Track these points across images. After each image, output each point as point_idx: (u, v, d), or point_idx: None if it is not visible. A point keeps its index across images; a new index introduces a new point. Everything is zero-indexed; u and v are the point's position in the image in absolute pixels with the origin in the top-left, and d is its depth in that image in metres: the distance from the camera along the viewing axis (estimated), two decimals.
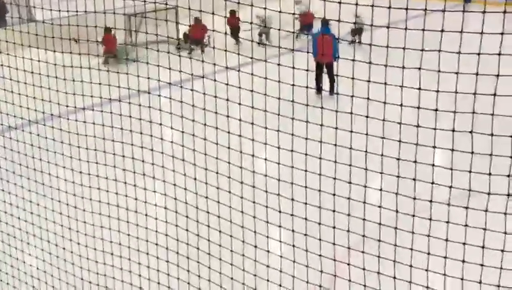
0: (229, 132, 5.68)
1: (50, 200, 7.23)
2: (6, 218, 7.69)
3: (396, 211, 4.70)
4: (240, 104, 5.44)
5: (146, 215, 6.43)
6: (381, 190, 4.93)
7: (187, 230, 6.11)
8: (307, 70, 5.33)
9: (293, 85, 5.27)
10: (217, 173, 5.64)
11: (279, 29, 5.60)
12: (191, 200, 6.07)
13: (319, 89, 15.19)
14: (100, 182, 6.88)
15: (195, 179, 6.03)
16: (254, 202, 5.60)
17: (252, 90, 5.24)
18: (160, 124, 6.18)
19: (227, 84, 5.40)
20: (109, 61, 18.99)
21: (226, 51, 5.42)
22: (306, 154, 5.13)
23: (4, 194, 7.64)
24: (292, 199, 5.30)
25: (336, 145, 4.93)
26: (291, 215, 5.30)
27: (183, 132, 5.92)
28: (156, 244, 6.44)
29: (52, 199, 7.17)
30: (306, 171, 5.17)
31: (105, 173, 6.71)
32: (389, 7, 4.31)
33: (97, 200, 6.79)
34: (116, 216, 6.71)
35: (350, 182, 4.87)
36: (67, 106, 6.97)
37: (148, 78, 6.03)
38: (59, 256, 7.17)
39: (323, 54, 14.84)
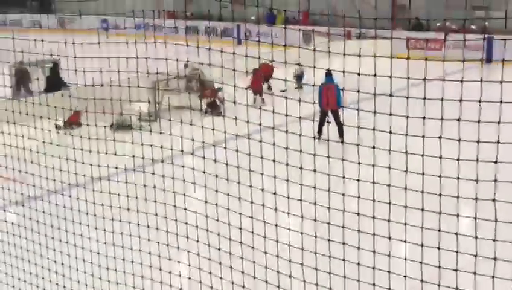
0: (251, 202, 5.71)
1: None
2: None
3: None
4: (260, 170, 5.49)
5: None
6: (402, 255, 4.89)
7: None
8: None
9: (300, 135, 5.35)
10: (241, 243, 5.67)
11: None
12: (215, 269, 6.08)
13: (319, 133, 16.44)
14: (124, 253, 6.89)
15: (219, 249, 6.04)
16: (278, 272, 5.59)
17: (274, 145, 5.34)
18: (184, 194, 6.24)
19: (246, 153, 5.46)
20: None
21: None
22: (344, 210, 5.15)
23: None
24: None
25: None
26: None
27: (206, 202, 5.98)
28: None
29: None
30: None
31: (130, 243, 6.74)
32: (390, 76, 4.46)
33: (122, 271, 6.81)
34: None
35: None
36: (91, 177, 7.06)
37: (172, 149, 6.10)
38: None
39: (328, 103, 16.46)
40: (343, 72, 4.85)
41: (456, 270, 4.66)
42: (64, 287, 7.43)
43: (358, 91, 4.90)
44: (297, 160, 5.39)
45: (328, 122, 16.40)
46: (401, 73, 4.69)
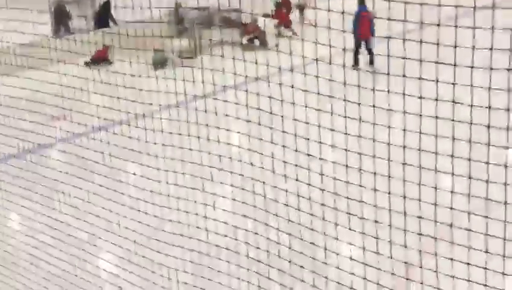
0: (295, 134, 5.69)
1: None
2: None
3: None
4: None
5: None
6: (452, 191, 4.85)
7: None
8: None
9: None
10: (285, 175, 5.68)
11: None
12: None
13: (356, 62, 16.97)
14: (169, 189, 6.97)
15: (263, 182, 6.07)
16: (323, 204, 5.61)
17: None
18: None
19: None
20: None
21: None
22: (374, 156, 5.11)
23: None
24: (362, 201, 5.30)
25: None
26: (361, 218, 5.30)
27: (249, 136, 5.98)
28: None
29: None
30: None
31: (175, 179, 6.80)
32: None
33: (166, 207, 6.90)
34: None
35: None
36: (133, 113, 7.09)
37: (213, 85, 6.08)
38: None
39: (364, 30, 16.60)
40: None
41: None
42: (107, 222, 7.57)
43: (389, 19, 4.74)
44: (341, 92, 5.29)
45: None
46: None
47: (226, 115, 6.24)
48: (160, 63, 17.73)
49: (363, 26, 16.41)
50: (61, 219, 7.83)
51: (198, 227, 6.64)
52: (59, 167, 8.29)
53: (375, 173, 5.11)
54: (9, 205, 8.62)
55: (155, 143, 6.87)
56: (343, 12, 4.89)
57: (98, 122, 7.61)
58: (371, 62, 16.79)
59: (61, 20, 22.47)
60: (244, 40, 20.22)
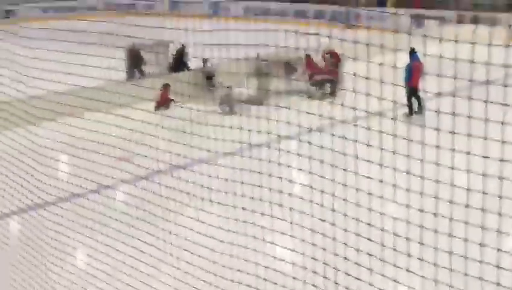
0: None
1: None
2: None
3: None
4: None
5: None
6: None
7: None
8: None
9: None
10: (345, 230, 5.62)
11: None
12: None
13: (410, 112, 17.70)
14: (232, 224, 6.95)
15: (322, 234, 5.99)
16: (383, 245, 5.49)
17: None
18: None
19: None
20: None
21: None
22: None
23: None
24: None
25: None
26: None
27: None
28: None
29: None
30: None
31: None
32: None
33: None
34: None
35: None
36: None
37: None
38: None
39: (416, 79, 17.38)
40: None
41: None
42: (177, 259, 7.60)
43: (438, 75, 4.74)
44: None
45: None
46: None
47: (288, 166, 6.22)
48: (226, 102, 18.07)
49: (415, 76, 17.16)
50: (119, 257, 7.90)
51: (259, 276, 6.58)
52: (121, 207, 8.43)
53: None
54: (71, 242, 8.79)
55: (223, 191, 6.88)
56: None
57: (158, 165, 7.69)
58: (420, 111, 17.41)
59: (135, 64, 23.11)
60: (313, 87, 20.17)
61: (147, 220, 7.74)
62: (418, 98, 17.71)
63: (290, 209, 6.28)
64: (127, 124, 7.75)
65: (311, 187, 6.00)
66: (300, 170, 6.30)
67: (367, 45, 5.21)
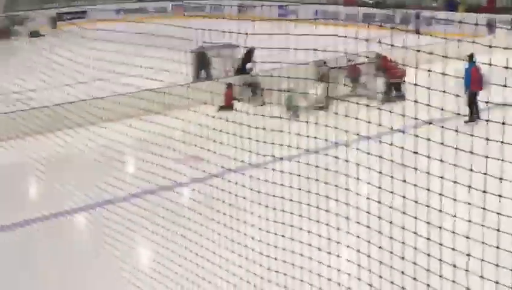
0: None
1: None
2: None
3: None
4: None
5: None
6: None
7: None
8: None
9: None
10: (415, 233, 5.68)
11: None
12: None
13: (471, 118, 17.30)
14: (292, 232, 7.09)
15: (390, 237, 6.04)
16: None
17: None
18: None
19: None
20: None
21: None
22: None
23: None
24: None
25: None
26: None
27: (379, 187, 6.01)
28: None
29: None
30: None
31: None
32: None
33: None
34: None
35: None
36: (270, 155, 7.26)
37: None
38: None
39: (474, 85, 17.28)
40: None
41: None
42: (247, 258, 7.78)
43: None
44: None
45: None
46: None
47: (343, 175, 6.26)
48: (293, 107, 18.11)
49: (474, 80, 17.21)
50: (188, 256, 8.10)
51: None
52: (191, 205, 8.62)
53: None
54: (142, 239, 9.04)
55: (291, 186, 6.95)
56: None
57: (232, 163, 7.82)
58: (478, 116, 17.35)
59: (202, 66, 23.46)
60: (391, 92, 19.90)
61: (215, 218, 7.95)
62: (475, 104, 17.52)
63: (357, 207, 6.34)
64: (196, 124, 7.93)
65: (379, 202, 6.05)
66: (368, 183, 6.32)
67: (430, 53, 5.22)
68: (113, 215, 9.64)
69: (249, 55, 22.94)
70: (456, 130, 5.31)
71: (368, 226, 6.17)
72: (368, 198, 6.10)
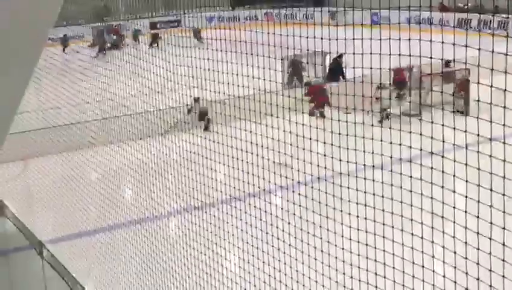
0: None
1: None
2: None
3: None
4: None
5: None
6: None
7: None
8: None
9: None
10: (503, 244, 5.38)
11: None
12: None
13: None
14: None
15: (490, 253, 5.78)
16: None
17: None
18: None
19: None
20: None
21: None
22: None
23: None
24: None
25: None
26: None
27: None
28: None
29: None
30: None
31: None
32: None
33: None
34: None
35: None
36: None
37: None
38: None
39: None
40: None
41: None
42: (324, 265, 7.64)
43: None
44: None
45: None
46: None
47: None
48: (384, 111, 17.88)
49: None
50: (276, 265, 8.04)
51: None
52: (276, 212, 8.61)
53: None
54: (228, 246, 9.07)
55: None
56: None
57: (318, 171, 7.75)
58: None
59: (295, 72, 23.60)
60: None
61: (302, 227, 7.84)
62: None
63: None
64: (287, 131, 7.91)
65: (477, 217, 5.81)
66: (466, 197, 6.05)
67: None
68: (200, 221, 9.73)
69: (337, 61, 22.83)
70: None
71: (466, 242, 5.91)
72: (465, 211, 5.85)
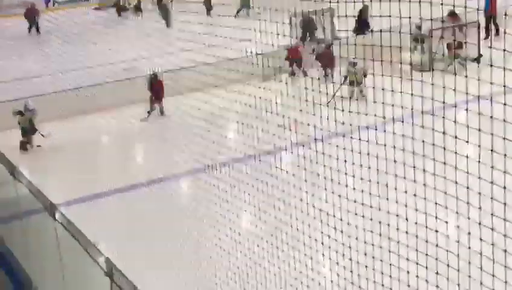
0: None
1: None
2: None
3: None
4: None
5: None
6: None
7: None
8: None
9: None
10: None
11: None
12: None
13: (487, 35, 20.69)
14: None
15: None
16: None
17: None
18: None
19: None
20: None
21: None
22: None
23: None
24: None
25: None
26: None
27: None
28: None
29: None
30: None
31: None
32: None
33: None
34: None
35: None
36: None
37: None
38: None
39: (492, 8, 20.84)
40: None
41: None
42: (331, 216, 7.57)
43: None
44: None
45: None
46: None
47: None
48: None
49: (492, 5, 20.86)
50: (282, 217, 8.01)
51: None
52: (290, 169, 8.54)
53: None
54: (242, 204, 9.02)
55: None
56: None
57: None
58: (497, 33, 20.57)
59: (308, 29, 23.40)
60: None
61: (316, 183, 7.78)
62: (496, 25, 20.74)
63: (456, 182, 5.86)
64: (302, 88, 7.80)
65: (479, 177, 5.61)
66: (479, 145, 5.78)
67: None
68: (213, 180, 9.74)
69: (362, 13, 22.57)
70: None
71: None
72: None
